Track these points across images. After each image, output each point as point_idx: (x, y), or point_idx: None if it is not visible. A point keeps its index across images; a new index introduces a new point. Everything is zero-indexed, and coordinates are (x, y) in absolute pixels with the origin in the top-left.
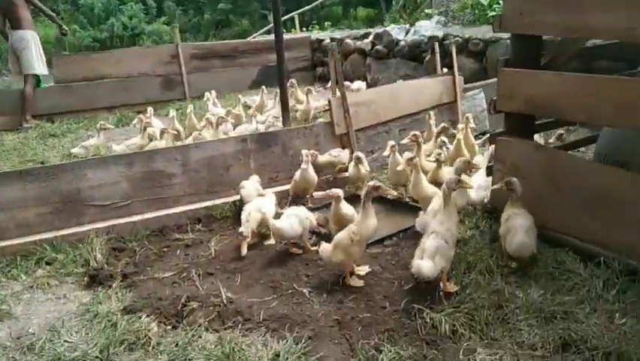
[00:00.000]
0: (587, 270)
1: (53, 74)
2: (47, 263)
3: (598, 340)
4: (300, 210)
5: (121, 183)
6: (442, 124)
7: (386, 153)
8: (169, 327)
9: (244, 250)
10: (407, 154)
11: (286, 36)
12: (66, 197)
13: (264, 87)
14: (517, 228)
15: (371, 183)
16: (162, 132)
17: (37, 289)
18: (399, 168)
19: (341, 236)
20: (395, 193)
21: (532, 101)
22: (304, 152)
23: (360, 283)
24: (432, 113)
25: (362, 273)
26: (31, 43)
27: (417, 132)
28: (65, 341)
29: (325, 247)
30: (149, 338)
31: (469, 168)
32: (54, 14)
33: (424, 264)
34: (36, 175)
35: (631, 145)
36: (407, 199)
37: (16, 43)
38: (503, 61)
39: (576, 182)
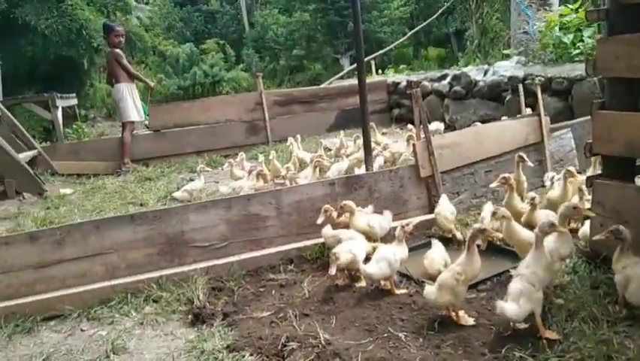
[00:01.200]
0: None
1: (149, 122)
2: (154, 301)
3: None
4: (390, 252)
5: (219, 226)
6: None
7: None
8: None
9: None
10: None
11: None
12: (171, 239)
13: (342, 132)
14: None
15: (477, 225)
16: (258, 175)
17: (147, 325)
18: (485, 222)
19: (445, 277)
20: (500, 235)
21: (633, 144)
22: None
23: (471, 321)
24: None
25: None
26: (126, 94)
27: (506, 175)
28: None
29: (430, 289)
30: None
31: (575, 213)
32: (137, 73)
33: (508, 306)
34: (145, 219)
35: None
36: (499, 242)
37: (114, 95)
38: (599, 104)
39: None
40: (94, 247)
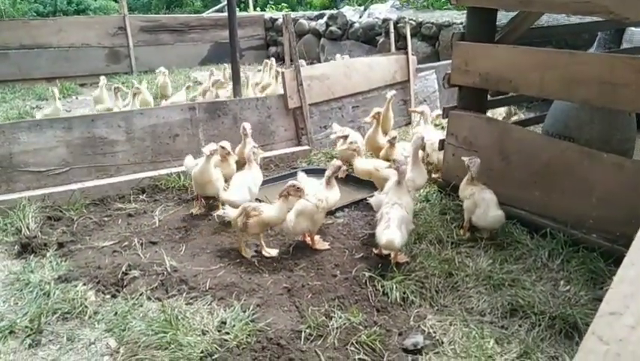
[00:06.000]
0: (533, 241)
1: None
2: None
3: (543, 305)
4: (247, 178)
5: (58, 149)
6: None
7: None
8: (108, 296)
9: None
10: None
11: (240, 14)
12: None
13: (213, 69)
14: (489, 202)
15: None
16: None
17: None
18: (343, 147)
19: (304, 204)
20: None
21: (487, 75)
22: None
23: (326, 245)
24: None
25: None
26: None
27: (379, 109)
28: None
29: (287, 216)
30: (86, 307)
31: (424, 144)
32: None
33: (396, 234)
34: None
35: (576, 121)
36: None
37: None
38: (459, 35)
39: (525, 155)
40: None
